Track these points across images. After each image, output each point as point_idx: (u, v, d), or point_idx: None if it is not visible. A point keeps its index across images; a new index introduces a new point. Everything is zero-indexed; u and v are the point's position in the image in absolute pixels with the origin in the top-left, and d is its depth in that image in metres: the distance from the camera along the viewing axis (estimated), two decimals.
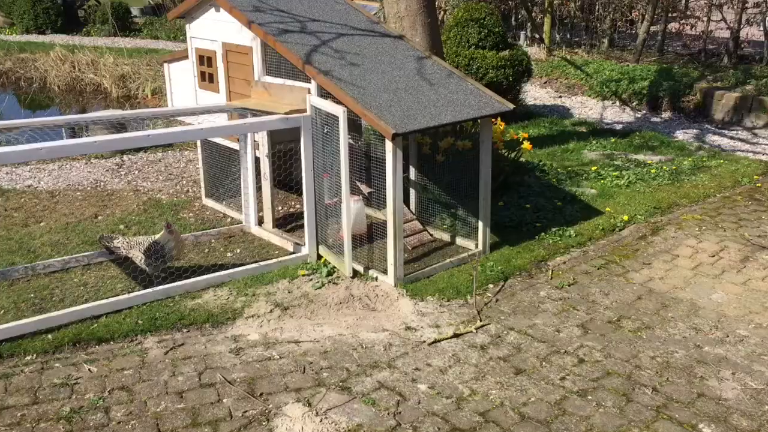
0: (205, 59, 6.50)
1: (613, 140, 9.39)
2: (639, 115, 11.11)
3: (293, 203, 7.14)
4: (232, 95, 6.30)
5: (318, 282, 5.34)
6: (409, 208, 6.34)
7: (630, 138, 9.57)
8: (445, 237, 6.19)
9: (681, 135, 9.98)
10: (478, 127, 5.71)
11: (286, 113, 5.40)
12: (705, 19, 15.56)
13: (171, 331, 4.75)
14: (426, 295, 5.22)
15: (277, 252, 5.99)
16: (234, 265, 5.58)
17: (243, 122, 5.20)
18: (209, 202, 7.11)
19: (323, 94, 5.50)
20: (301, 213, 6.70)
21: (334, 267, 5.57)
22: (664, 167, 8.07)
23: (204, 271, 5.37)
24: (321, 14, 6.25)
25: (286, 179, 6.29)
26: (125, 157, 8.74)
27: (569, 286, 5.43)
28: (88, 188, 7.60)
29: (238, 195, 6.63)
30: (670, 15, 15.64)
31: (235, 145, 6.45)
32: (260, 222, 6.41)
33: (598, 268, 5.72)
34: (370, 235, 6.07)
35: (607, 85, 11.96)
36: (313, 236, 5.72)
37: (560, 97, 12.37)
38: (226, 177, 6.85)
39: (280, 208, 7.00)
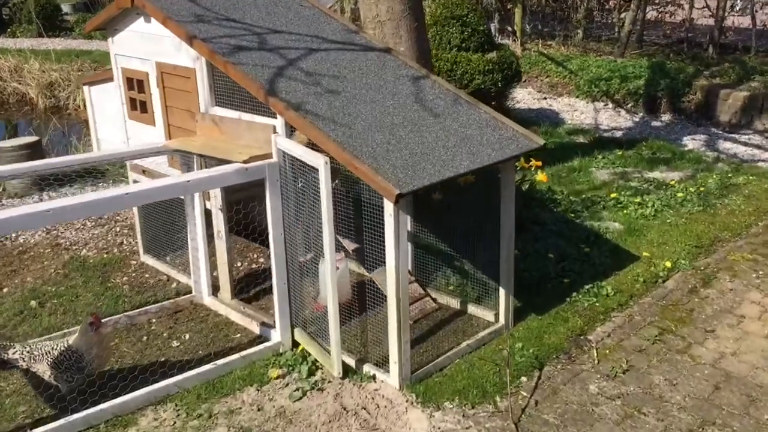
0: (135, 83, 5.05)
1: (619, 153, 8.19)
2: (637, 119, 9.95)
3: (255, 256, 5.75)
4: (171, 130, 4.87)
5: (297, 388, 3.98)
6: None
7: (637, 149, 8.39)
8: (453, 303, 4.88)
9: (690, 143, 8.84)
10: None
11: (244, 161, 4.01)
12: (687, 6, 14.54)
13: None
14: (442, 401, 3.90)
15: (238, 335, 4.60)
16: (181, 365, 4.17)
17: (186, 179, 3.79)
18: (148, 260, 5.66)
19: (294, 131, 4.13)
20: (266, 270, 5.33)
21: (316, 360, 4.21)
22: (690, 188, 6.89)
23: (140, 380, 3.95)
24: (284, 24, 4.85)
25: (245, 229, 4.93)
26: (45, 195, 7.21)
27: (624, 373, 4.17)
28: None
29: (185, 248, 5.22)
30: (650, 2, 14.56)
31: None
32: (215, 289, 5.01)
33: (653, 343, 4.48)
34: (360, 303, 4.72)
35: (596, 84, 10.78)
36: (287, 317, 4.35)
37: (545, 98, 11.15)
38: (169, 228, 5.42)
39: (239, 263, 5.60)
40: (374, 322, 4.60)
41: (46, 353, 3.74)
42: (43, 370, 3.74)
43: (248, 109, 4.31)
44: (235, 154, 4.10)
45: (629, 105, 10.37)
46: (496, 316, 4.61)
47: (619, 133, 9.26)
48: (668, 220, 6.19)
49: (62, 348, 3.74)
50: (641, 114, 10.13)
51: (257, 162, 4.04)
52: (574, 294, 4.95)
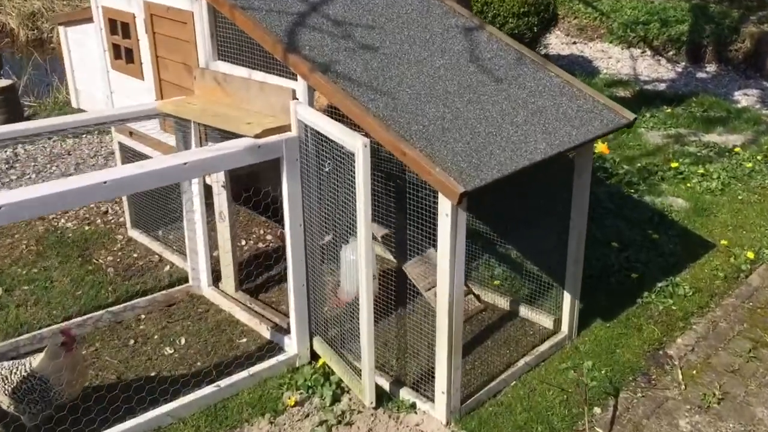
0: (119, 26, 4.13)
1: (668, 110, 7.29)
2: (680, 69, 9.01)
3: (261, 232, 4.92)
4: (164, 86, 3.97)
5: (320, 422, 3.20)
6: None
7: (687, 105, 7.49)
8: (500, 302, 4.08)
9: (743, 99, 7.94)
10: None
11: (256, 135, 3.14)
12: None
13: None
14: None
15: (245, 339, 3.81)
16: (175, 383, 3.39)
17: (182, 161, 2.92)
18: (137, 236, 4.84)
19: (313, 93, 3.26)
20: (275, 251, 4.52)
21: (341, 381, 3.43)
22: (757, 157, 6.04)
23: (125, 410, 3.17)
24: None
25: (251, 197, 4.11)
26: (20, 149, 6.32)
27: (719, 404, 3.41)
28: None
29: (179, 221, 4.41)
30: None
31: None
32: (215, 278, 4.20)
33: (747, 360, 3.70)
34: (388, 301, 3.93)
35: (632, 29, 9.79)
36: (305, 325, 3.55)
37: (574, 43, 10.16)
38: (161, 198, 4.58)
39: (243, 242, 4.78)
40: (408, 325, 3.82)
41: (3, 378, 2.94)
42: (0, 399, 2.95)
43: (260, 66, 3.41)
44: (243, 126, 3.23)
45: (670, 53, 9.40)
46: (556, 322, 3.82)
47: (662, 86, 8.34)
48: (739, 197, 5.36)
49: (24, 374, 2.94)
50: (683, 63, 9.17)
51: (272, 136, 3.18)
52: (645, 293, 4.15)
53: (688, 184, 5.52)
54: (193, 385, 3.36)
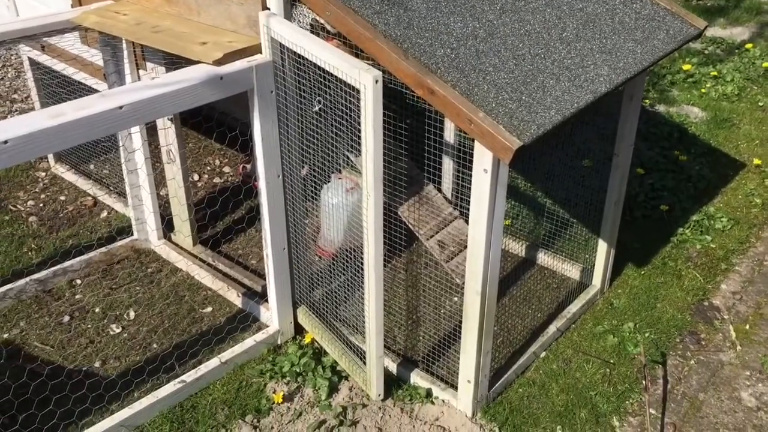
0: None
1: None
2: None
3: (217, 162, 4.12)
4: None
5: (318, 423, 2.56)
6: (441, 191, 3.46)
7: None
8: (512, 246, 3.44)
9: None
10: None
11: (216, 62, 2.31)
12: None
13: None
14: None
15: (209, 308, 3.10)
16: (127, 377, 2.68)
17: (117, 104, 2.08)
18: (63, 172, 3.98)
19: (295, 4, 2.42)
20: (235, 188, 3.74)
21: (335, 363, 2.77)
22: None
23: (60, 414, 2.47)
24: None
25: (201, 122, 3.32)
26: None
27: None
28: None
29: (115, 150, 3.61)
30: None
31: (100, 84, 3.30)
32: (167, 227, 3.43)
33: None
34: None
35: None
36: (287, 295, 2.85)
37: None
38: None
39: (196, 176, 3.98)
40: (409, 284, 3.16)
41: None
42: None
43: None
44: (196, 48, 2.38)
45: None
46: (584, 273, 3.21)
47: None
48: (760, 103, 4.75)
49: None
50: None
51: (237, 62, 2.35)
52: (680, 230, 3.56)
53: (702, 90, 4.87)
54: (149, 378, 2.66)
